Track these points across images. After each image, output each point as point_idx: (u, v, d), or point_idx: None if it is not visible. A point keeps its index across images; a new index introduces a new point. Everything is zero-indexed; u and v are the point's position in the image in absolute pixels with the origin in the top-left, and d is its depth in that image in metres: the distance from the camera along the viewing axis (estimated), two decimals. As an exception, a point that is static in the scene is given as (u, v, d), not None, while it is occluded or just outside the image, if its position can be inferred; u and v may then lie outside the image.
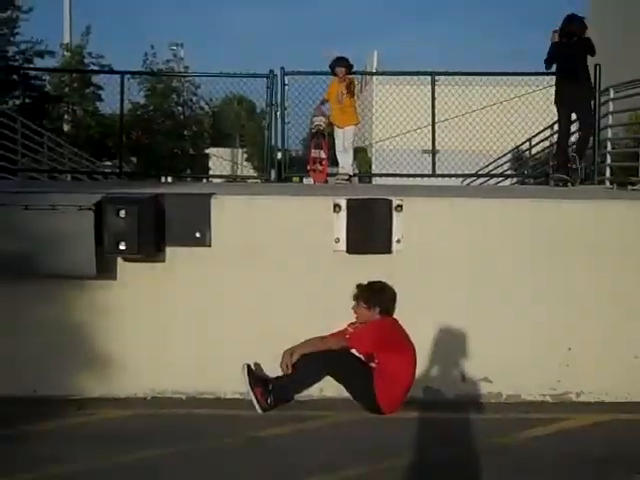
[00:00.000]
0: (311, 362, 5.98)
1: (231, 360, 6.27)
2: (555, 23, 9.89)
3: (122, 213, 6.23)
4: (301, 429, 5.88)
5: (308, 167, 11.05)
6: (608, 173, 11.42)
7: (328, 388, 6.29)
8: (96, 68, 23.56)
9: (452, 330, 6.52)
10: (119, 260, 6.54)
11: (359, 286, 6.12)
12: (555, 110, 10.47)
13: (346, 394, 6.08)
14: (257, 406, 6.05)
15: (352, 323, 6.19)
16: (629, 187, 10.35)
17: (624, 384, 6.62)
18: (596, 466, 5.21)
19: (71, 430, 5.83)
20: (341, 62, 10.35)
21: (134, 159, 21.78)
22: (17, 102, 21.41)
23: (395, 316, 6.17)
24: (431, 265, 6.62)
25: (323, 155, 10.76)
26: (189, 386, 6.55)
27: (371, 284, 6.12)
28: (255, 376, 6.15)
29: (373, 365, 5.98)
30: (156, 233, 6.48)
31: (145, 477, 5.00)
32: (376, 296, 6.09)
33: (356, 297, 6.11)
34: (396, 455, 5.24)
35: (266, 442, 5.64)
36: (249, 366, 6.17)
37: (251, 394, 6.06)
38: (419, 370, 6.27)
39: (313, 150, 10.85)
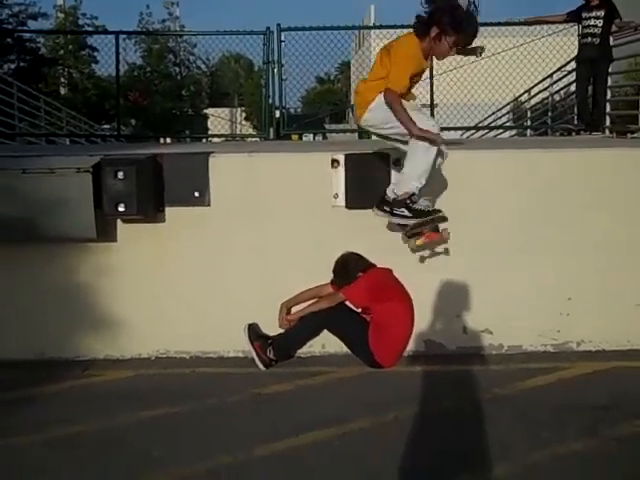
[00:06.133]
0: (309, 317, 6.05)
1: (234, 319, 6.29)
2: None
3: (120, 174, 6.19)
4: (305, 385, 5.95)
5: None
6: (608, 122, 11.41)
7: (330, 344, 6.31)
8: (90, 29, 23.42)
9: (452, 283, 6.54)
10: (119, 222, 6.55)
11: (335, 279, 6.14)
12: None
13: (348, 350, 6.13)
14: (258, 361, 6.10)
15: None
16: (629, 135, 10.34)
17: (625, 332, 6.66)
18: (596, 413, 5.27)
19: (77, 392, 5.90)
20: None
21: (132, 121, 21.74)
22: (12, 66, 21.39)
23: (395, 270, 6.18)
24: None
25: None
26: (192, 346, 6.62)
27: (335, 270, 6.13)
28: (255, 332, 6.23)
29: (368, 318, 6.01)
30: (155, 194, 6.49)
31: (151, 436, 5.05)
32: (349, 271, 6.10)
33: (341, 285, 6.12)
34: (400, 408, 5.30)
35: (270, 398, 5.71)
36: (250, 324, 6.25)
37: (251, 349, 6.13)
38: (422, 324, 6.31)
39: None
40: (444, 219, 5.79)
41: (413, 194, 5.69)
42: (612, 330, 6.65)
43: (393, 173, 6.38)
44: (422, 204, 5.79)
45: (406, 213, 5.69)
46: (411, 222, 5.79)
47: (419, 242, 5.93)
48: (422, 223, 5.78)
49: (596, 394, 5.62)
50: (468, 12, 5.43)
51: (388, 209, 5.79)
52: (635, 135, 10.50)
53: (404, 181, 5.73)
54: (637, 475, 4.48)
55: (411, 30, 5.59)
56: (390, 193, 5.83)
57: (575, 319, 6.64)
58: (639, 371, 6.17)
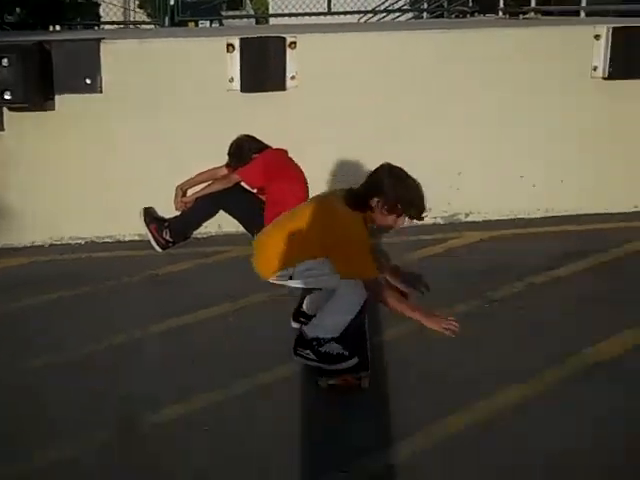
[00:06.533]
0: (204, 198, 6.14)
1: (129, 204, 6.36)
2: None
3: (5, 62, 5.99)
4: (202, 264, 6.04)
5: None
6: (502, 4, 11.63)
7: (226, 224, 6.43)
8: None
9: (348, 162, 6.64)
10: (5, 111, 6.35)
11: (230, 161, 6.25)
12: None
13: (244, 229, 6.24)
14: (154, 243, 6.23)
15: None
16: (520, 16, 10.54)
17: (510, 203, 6.97)
18: (481, 277, 5.61)
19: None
20: None
21: (17, 9, 20.70)
22: None
23: (290, 150, 6.26)
24: (327, 100, 6.67)
25: None
26: (88, 232, 6.58)
27: (230, 152, 6.24)
28: (151, 215, 6.32)
29: (264, 198, 6.11)
30: (43, 81, 6.30)
31: (46, 319, 5.10)
32: (243, 152, 6.19)
33: (236, 166, 6.17)
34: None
35: (167, 278, 5.79)
36: (145, 208, 6.33)
37: (147, 232, 6.24)
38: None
39: None
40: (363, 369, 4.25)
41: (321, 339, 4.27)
42: (498, 201, 6.95)
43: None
44: (334, 348, 4.24)
45: (311, 356, 4.28)
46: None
47: (332, 382, 4.19)
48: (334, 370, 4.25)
49: (481, 260, 5.95)
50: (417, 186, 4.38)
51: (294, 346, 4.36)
52: (527, 16, 10.70)
53: (318, 325, 4.29)
54: (515, 330, 4.81)
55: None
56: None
57: (464, 192, 6.89)
58: (521, 237, 6.50)
